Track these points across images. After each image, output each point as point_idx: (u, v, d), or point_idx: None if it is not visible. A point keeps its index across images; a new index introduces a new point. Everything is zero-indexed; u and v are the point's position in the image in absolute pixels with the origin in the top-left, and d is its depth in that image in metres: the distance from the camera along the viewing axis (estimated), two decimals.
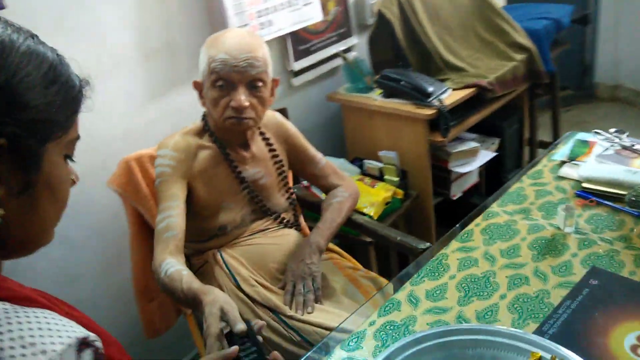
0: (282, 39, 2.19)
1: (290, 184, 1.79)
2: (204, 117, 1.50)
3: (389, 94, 2.20)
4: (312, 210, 1.85)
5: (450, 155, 2.25)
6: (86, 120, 1.68)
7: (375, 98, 2.23)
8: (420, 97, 2.09)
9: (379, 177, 2.20)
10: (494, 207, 1.47)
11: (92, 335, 0.62)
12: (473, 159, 2.31)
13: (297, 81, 2.30)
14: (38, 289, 1.65)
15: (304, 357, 1.11)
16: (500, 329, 1.02)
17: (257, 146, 1.52)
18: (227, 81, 1.35)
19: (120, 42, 1.73)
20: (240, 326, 1.01)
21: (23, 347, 0.55)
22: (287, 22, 2.12)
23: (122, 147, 1.74)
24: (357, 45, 2.51)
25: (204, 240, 1.50)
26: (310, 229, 1.83)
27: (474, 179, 2.45)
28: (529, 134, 2.91)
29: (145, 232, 1.63)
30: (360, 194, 2.04)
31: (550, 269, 1.22)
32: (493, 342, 1.01)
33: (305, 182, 2.07)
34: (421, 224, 2.31)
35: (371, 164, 2.23)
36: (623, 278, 1.17)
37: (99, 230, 1.78)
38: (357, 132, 2.35)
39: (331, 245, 1.79)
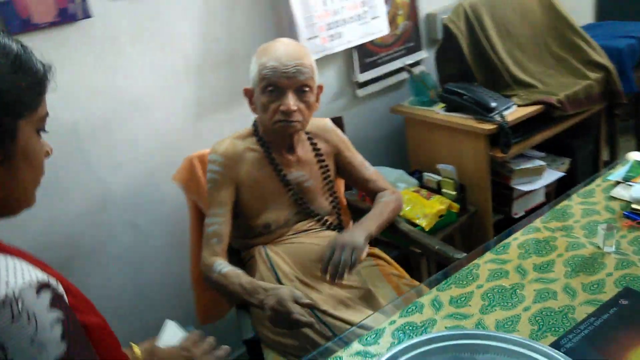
0: (348, 51, 2.27)
1: (341, 189, 1.87)
2: (255, 123, 1.60)
3: (451, 107, 2.21)
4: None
5: (513, 172, 2.22)
6: (159, 121, 1.86)
7: (438, 111, 2.25)
8: (482, 111, 2.10)
9: (437, 190, 2.22)
10: (537, 223, 1.46)
11: (53, 281, 0.72)
12: (538, 177, 2.26)
13: (362, 92, 2.37)
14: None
15: (323, 346, 1.17)
16: (512, 337, 1.03)
17: (304, 150, 1.61)
18: (276, 87, 1.45)
19: (192, 51, 1.89)
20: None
21: None
22: (355, 35, 2.20)
23: (190, 146, 1.88)
24: (427, 59, 2.54)
25: (251, 237, 1.60)
26: None
27: (539, 199, 2.39)
28: (608, 156, 2.79)
29: (202, 224, 1.76)
30: (415, 205, 2.08)
31: (580, 286, 1.20)
32: (504, 349, 1.03)
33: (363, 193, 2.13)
34: (480, 241, 2.28)
35: (430, 177, 2.25)
36: None
37: (165, 221, 1.94)
38: (419, 145, 2.38)
39: (379, 252, 1.83)
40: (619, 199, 1.49)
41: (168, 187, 1.84)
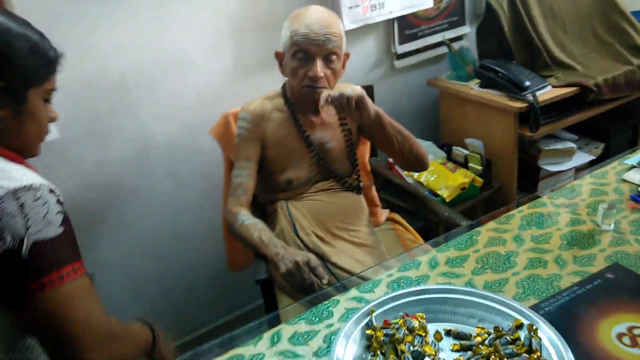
0: (388, 22, 2.33)
1: (366, 154, 1.96)
2: (284, 85, 1.71)
3: (485, 84, 2.25)
4: (389, 187, 2.00)
5: (541, 151, 2.25)
6: (201, 78, 1.98)
7: (472, 87, 2.29)
8: (515, 89, 2.13)
9: (464, 164, 2.28)
10: (544, 199, 1.52)
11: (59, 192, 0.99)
12: (567, 159, 2.28)
13: (400, 64, 2.43)
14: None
15: (325, 290, 1.29)
16: (492, 295, 1.12)
17: (328, 114, 1.70)
18: (306, 53, 1.55)
19: (236, 13, 2.00)
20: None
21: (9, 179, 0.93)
22: (397, 6, 2.26)
23: (228, 103, 1.99)
24: (469, 34, 2.57)
25: (274, 192, 1.72)
26: (382, 201, 1.99)
27: (568, 181, 2.40)
28: None
29: None
30: (439, 176, 2.16)
31: (572, 258, 1.27)
32: (484, 305, 1.12)
33: (390, 160, 2.21)
34: None
35: (458, 150, 2.31)
36: (636, 274, 1.19)
37: (203, 172, 2.09)
38: (451, 119, 2.44)
39: (399, 218, 1.93)
40: (630, 182, 1.52)
41: (206, 141, 1.98)
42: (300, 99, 1.65)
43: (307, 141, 1.67)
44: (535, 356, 0.98)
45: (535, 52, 2.32)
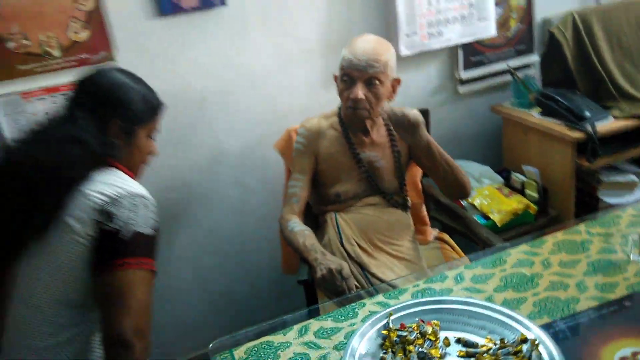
0: (453, 48, 2.43)
1: (419, 174, 2.06)
2: (339, 105, 1.86)
3: (546, 112, 2.28)
4: (439, 207, 2.09)
5: (601, 183, 2.25)
6: (272, 95, 2.17)
7: (534, 114, 2.33)
8: (574, 119, 2.15)
9: (520, 191, 2.31)
10: (581, 226, 1.56)
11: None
12: (628, 192, 2.26)
13: (463, 89, 2.51)
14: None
15: (354, 293, 1.42)
16: (504, 310, 1.21)
17: (379, 134, 1.83)
18: (349, 77, 1.69)
19: (307, 38, 2.18)
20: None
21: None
22: (456, 34, 2.35)
23: (295, 120, 2.17)
24: (536, 62, 2.60)
25: (325, 204, 1.87)
26: (432, 219, 2.08)
27: None
28: None
29: None
30: (492, 200, 2.22)
31: (594, 284, 1.32)
32: (496, 319, 1.21)
33: None
34: None
35: (516, 177, 2.35)
36: None
37: (267, 181, 2.27)
38: (513, 145, 2.48)
39: (447, 238, 2.01)
40: None
41: (272, 153, 2.16)
42: (347, 120, 1.79)
43: (357, 158, 1.80)
44: None
45: (599, 82, 2.32)
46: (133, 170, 1.41)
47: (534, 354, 1.09)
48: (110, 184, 1.25)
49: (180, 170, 2.14)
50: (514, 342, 1.14)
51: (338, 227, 1.80)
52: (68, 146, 1.25)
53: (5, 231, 1.26)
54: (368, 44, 1.70)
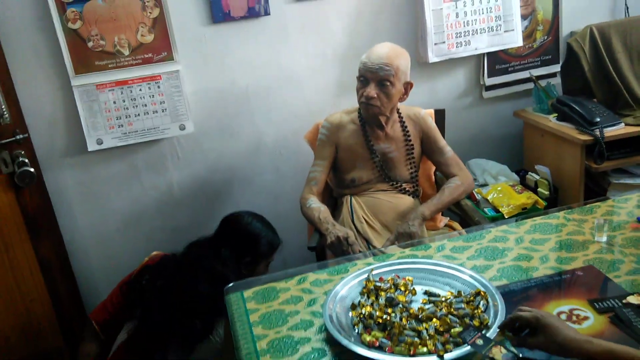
0: (479, 56, 2.63)
1: (433, 167, 2.28)
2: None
3: (561, 117, 2.45)
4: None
5: (610, 184, 2.38)
6: (307, 93, 2.46)
7: (551, 119, 2.50)
8: (584, 124, 2.31)
9: (533, 189, 2.48)
10: (560, 213, 1.74)
11: None
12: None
13: (487, 95, 2.71)
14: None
15: (349, 256, 1.68)
16: (467, 271, 1.43)
17: (394, 129, 2.07)
18: (364, 78, 1.96)
19: (340, 44, 2.46)
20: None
21: None
22: (483, 44, 2.56)
23: (327, 115, 2.45)
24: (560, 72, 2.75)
25: (342, 187, 2.14)
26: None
27: None
28: None
29: None
30: (504, 195, 2.40)
31: (555, 258, 1.51)
32: (458, 277, 1.44)
33: None
34: None
35: (531, 176, 2.52)
36: (603, 275, 1.40)
37: (300, 168, 2.55)
38: (532, 147, 2.64)
39: (456, 225, 2.23)
40: None
41: (305, 144, 2.45)
42: (363, 114, 2.05)
43: (371, 149, 2.06)
44: (477, 311, 1.28)
45: (616, 92, 2.46)
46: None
47: (482, 302, 1.32)
48: None
49: (224, 155, 2.47)
50: (468, 294, 1.37)
51: (351, 208, 2.06)
52: (220, 278, 1.66)
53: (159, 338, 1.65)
54: (382, 50, 1.96)
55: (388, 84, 1.95)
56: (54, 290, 2.30)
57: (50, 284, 2.28)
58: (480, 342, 1.15)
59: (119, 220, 2.42)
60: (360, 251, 1.84)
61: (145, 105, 2.23)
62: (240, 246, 1.82)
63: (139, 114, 2.24)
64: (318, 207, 2.00)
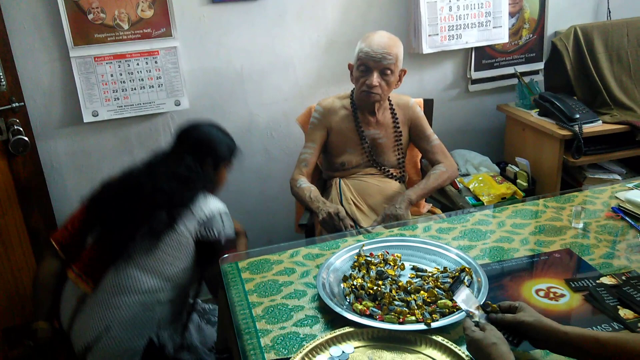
0: (467, 50, 2.72)
1: (419, 154, 2.37)
2: (353, 89, 2.18)
3: (542, 112, 2.55)
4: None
5: (586, 178, 2.50)
6: (299, 77, 2.51)
7: (532, 114, 2.60)
8: (564, 119, 2.41)
9: (513, 180, 2.59)
10: (540, 201, 1.84)
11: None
12: None
13: (473, 88, 2.80)
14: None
15: (340, 233, 1.75)
16: (453, 249, 1.52)
17: (384, 116, 2.15)
18: (366, 67, 2.02)
19: (333, 31, 2.52)
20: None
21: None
22: (473, 38, 2.65)
23: (317, 99, 2.49)
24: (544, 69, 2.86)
25: (332, 170, 2.21)
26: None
27: None
28: None
29: None
30: (485, 185, 2.50)
31: (534, 240, 1.61)
32: (444, 254, 1.52)
33: None
34: None
35: (510, 167, 2.62)
36: (579, 258, 1.50)
37: (290, 151, 2.62)
38: (513, 140, 2.75)
39: (437, 211, 2.32)
40: (619, 199, 1.80)
41: (295, 126, 2.51)
42: (360, 102, 2.11)
43: (361, 135, 2.13)
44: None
45: (596, 91, 2.57)
46: (215, 194, 1.88)
47: (467, 278, 1.40)
48: (207, 205, 1.74)
49: None
50: (454, 270, 1.45)
51: (340, 190, 2.13)
52: (180, 179, 1.74)
53: (126, 232, 1.69)
54: (382, 39, 2.03)
55: (389, 72, 2.02)
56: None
57: (38, 254, 2.30)
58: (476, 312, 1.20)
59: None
60: (351, 226, 1.91)
61: (142, 79, 2.26)
62: (201, 151, 1.84)
63: (135, 88, 2.27)
64: (308, 186, 2.06)
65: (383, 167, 2.17)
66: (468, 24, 2.63)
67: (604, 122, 2.47)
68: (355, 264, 1.51)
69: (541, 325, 1.08)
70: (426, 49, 2.58)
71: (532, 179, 2.56)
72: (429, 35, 2.57)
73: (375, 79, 2.01)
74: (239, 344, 1.28)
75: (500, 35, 2.71)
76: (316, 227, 2.09)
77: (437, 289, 1.37)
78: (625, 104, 2.56)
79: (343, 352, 1.21)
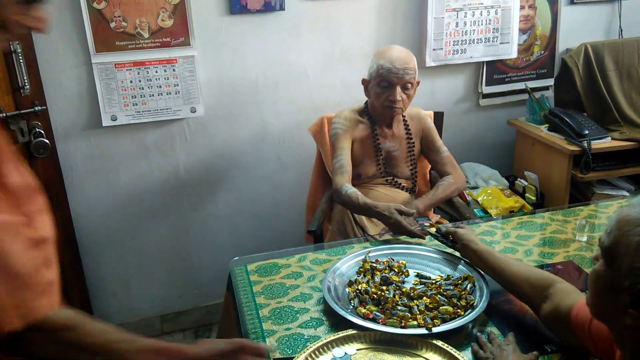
0: (479, 65, 2.76)
1: (428, 168, 2.40)
2: (366, 103, 2.22)
3: (552, 128, 2.58)
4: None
5: (594, 194, 2.52)
6: (313, 88, 2.56)
7: (542, 129, 2.63)
8: (573, 135, 2.44)
9: (521, 194, 2.61)
10: (545, 214, 1.87)
11: None
12: None
13: (484, 102, 2.84)
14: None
15: (352, 239, 1.79)
16: (455, 258, 1.55)
17: (399, 129, 2.19)
18: (389, 82, 2.05)
19: (349, 44, 2.58)
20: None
21: None
22: (479, 53, 2.70)
23: (329, 110, 2.56)
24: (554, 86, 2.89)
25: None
26: (436, 208, 2.42)
27: None
28: None
29: (321, 167, 2.46)
30: (493, 197, 2.53)
31: (538, 252, 1.64)
32: (448, 261, 1.56)
33: None
34: None
35: (519, 182, 2.65)
36: (581, 270, 1.53)
37: (301, 160, 2.67)
38: (523, 155, 2.78)
39: (445, 222, 2.35)
40: None
41: (307, 136, 2.56)
42: (378, 116, 2.15)
43: (377, 148, 2.17)
44: (464, 292, 1.40)
45: (605, 107, 2.60)
46: None
47: (469, 285, 1.44)
48: None
49: (230, 142, 2.57)
50: (457, 278, 1.49)
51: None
52: None
53: None
54: (401, 54, 2.06)
55: (410, 86, 2.06)
56: (58, 260, 2.39)
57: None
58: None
59: (124, 196, 2.52)
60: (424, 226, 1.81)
61: (160, 86, 2.33)
62: None
63: (152, 94, 2.34)
64: (354, 192, 2.01)
65: (396, 179, 2.21)
66: (474, 39, 2.68)
67: (613, 138, 2.49)
68: (361, 269, 1.55)
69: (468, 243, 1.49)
70: (429, 62, 2.63)
71: (540, 194, 2.58)
72: (434, 49, 2.62)
73: (399, 94, 2.05)
74: None
75: (508, 51, 2.75)
76: (325, 233, 2.13)
77: (439, 296, 1.40)
78: (634, 121, 2.59)
79: (346, 353, 1.25)
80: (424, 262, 1.60)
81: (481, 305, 1.35)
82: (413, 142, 2.22)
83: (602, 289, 0.86)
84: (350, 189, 2.02)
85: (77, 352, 0.97)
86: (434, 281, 1.49)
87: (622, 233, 0.80)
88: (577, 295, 1.20)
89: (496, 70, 2.81)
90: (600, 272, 0.86)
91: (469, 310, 1.35)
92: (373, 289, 1.44)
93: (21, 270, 0.86)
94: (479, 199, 2.56)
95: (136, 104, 2.33)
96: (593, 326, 1.07)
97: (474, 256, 1.48)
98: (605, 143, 2.46)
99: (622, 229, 0.80)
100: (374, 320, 1.34)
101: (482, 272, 1.47)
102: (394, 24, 2.62)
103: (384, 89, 2.08)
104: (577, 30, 2.87)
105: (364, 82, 2.19)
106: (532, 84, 2.84)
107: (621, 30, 2.88)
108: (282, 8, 2.45)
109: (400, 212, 1.82)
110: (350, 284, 1.50)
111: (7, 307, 0.85)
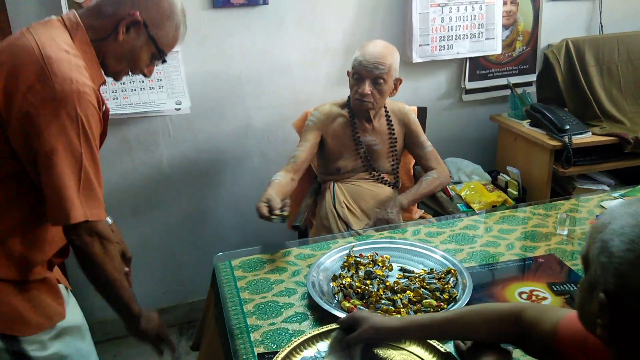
0: (462, 61, 2.78)
1: (412, 161, 2.41)
2: (349, 96, 2.23)
3: (534, 123, 2.60)
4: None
5: (575, 188, 2.55)
6: (298, 83, 2.56)
7: (524, 124, 2.65)
8: (555, 130, 2.47)
9: (504, 189, 2.64)
10: (527, 208, 1.89)
11: None
12: None
13: (467, 98, 2.85)
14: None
15: (333, 234, 1.80)
16: (439, 252, 1.57)
17: (380, 123, 2.19)
18: (359, 75, 2.07)
19: (333, 38, 2.57)
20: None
21: None
22: (465, 49, 2.71)
23: (313, 105, 2.54)
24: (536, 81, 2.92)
25: (327, 174, 2.25)
26: (420, 203, 2.44)
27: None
28: None
29: None
30: (476, 192, 2.55)
31: (520, 246, 1.65)
32: (431, 256, 1.57)
33: None
34: None
35: (502, 177, 2.67)
36: (562, 263, 1.55)
37: (285, 154, 2.65)
38: (505, 150, 2.80)
39: (428, 217, 2.36)
40: (604, 207, 1.85)
41: (291, 131, 2.55)
42: (354, 108, 2.16)
43: (357, 141, 2.18)
44: (447, 286, 1.41)
45: (586, 103, 2.63)
46: None
47: (452, 279, 1.45)
48: None
49: (214, 136, 2.56)
50: (440, 272, 1.50)
51: (333, 193, 2.18)
52: None
53: None
54: (376, 49, 2.08)
55: (381, 81, 2.06)
56: None
57: None
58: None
59: (106, 192, 2.47)
60: (281, 210, 1.79)
61: (143, 81, 2.31)
62: None
63: (135, 89, 2.31)
64: (274, 181, 2.03)
65: (377, 173, 2.21)
66: (460, 35, 2.69)
67: (593, 133, 2.52)
68: (345, 264, 1.56)
69: (381, 330, 1.13)
70: (416, 58, 2.64)
71: (522, 188, 2.61)
72: (420, 45, 2.63)
73: (367, 87, 2.06)
74: (230, 339, 1.32)
75: (493, 47, 2.76)
76: (310, 228, 2.13)
77: (422, 289, 1.41)
78: (614, 117, 2.62)
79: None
80: (407, 256, 1.60)
81: (464, 298, 1.36)
82: (395, 137, 2.23)
83: (581, 297, 0.85)
84: (277, 178, 2.04)
85: (111, 261, 1.29)
86: (417, 275, 1.50)
87: (591, 240, 0.80)
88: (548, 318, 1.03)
89: (479, 66, 2.82)
90: (582, 281, 0.85)
91: (452, 304, 1.36)
92: (357, 283, 1.45)
93: (95, 186, 1.24)
94: (462, 194, 2.57)
95: (117, 98, 2.30)
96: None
97: (398, 334, 1.16)
98: (586, 138, 2.49)
99: (591, 235, 0.81)
100: None
101: (464, 267, 1.49)
102: (378, 19, 2.62)
103: (355, 81, 2.10)
104: (559, 26, 2.90)
105: (348, 74, 2.19)
106: (514, 80, 2.86)
107: (602, 26, 2.91)
108: (265, 2, 2.43)
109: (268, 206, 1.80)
110: (334, 278, 1.51)
111: (77, 203, 1.19)
